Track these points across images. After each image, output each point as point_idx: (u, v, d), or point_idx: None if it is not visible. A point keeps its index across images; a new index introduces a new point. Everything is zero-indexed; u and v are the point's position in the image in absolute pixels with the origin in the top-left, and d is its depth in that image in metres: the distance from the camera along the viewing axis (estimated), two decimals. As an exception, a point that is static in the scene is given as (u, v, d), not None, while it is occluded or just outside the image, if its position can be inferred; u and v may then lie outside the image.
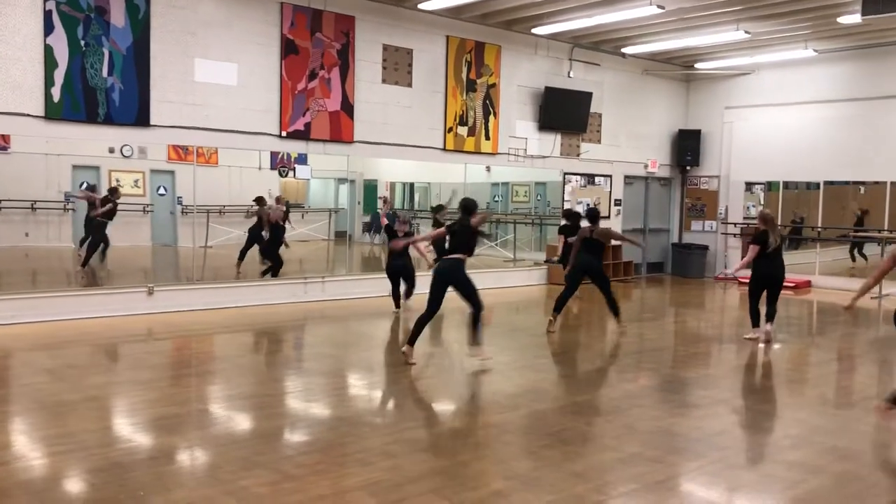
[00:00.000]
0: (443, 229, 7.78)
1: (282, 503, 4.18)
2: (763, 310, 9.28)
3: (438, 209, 12.14)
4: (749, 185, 16.41)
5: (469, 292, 7.43)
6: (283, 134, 11.23)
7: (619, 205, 16.09)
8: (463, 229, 7.36)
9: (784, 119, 15.47)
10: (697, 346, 9.64)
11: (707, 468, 4.91)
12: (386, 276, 10.69)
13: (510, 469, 4.79)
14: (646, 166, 16.40)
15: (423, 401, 6.66)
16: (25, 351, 7.95)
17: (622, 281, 15.52)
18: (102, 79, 9.66)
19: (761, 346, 9.06)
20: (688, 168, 16.97)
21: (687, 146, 16.69)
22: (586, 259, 9.57)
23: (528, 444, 5.35)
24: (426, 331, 7.63)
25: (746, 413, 6.56)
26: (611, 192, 15.89)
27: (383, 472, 4.69)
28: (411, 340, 7.48)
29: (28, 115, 9.23)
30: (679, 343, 9.85)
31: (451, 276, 7.35)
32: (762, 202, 16.53)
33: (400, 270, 10.47)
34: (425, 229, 17.89)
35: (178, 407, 6.14)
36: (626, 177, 16.20)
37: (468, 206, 7.44)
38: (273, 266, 12.08)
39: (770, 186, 16.20)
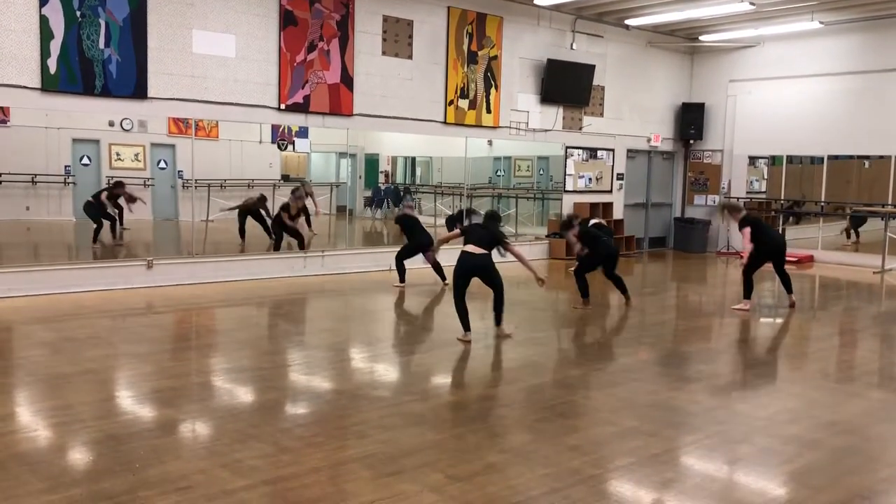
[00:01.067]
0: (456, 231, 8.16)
1: (276, 475, 4.17)
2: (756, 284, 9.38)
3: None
4: (752, 160, 16.30)
5: (498, 281, 7.58)
6: (282, 107, 11.14)
7: (622, 179, 15.99)
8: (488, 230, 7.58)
9: (789, 92, 15.30)
10: (698, 320, 9.61)
11: (704, 442, 4.89)
12: (404, 254, 10.72)
13: (505, 442, 4.79)
14: (649, 140, 16.28)
15: (420, 374, 6.65)
16: (24, 324, 7.95)
17: (624, 256, 15.43)
18: (99, 50, 9.56)
19: (758, 318, 9.06)
20: (691, 142, 16.84)
21: (690, 120, 16.55)
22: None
23: (524, 417, 5.34)
24: (427, 308, 7.61)
25: (745, 387, 6.55)
26: (613, 165, 15.79)
27: (379, 444, 4.68)
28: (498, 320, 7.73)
29: (25, 87, 9.14)
30: (679, 317, 9.82)
31: (482, 268, 7.45)
32: (765, 176, 16.47)
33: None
34: (427, 205, 17.87)
35: (176, 380, 6.13)
36: (629, 150, 16.08)
37: (495, 216, 8.01)
38: (299, 240, 12.24)
39: (774, 160, 16.09)
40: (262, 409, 5.42)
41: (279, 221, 12.27)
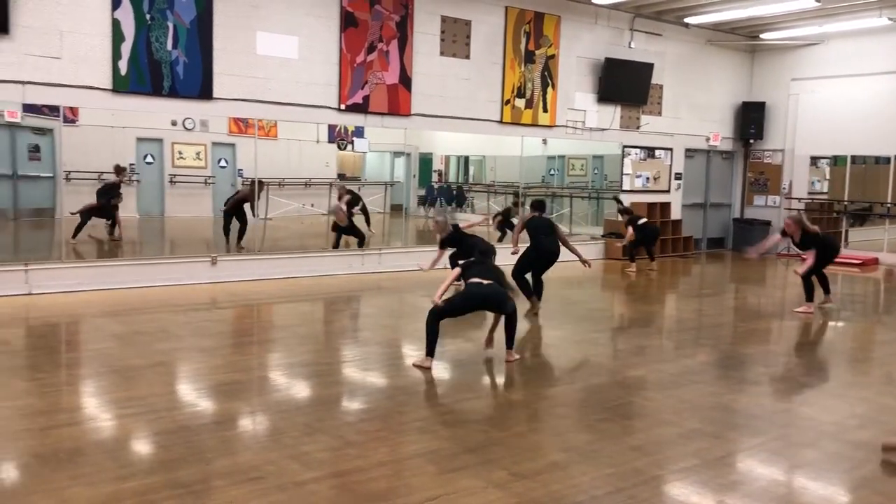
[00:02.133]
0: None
1: (343, 468, 4.27)
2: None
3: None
4: (814, 160, 15.94)
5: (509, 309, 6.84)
6: (342, 107, 11.30)
7: (680, 178, 15.80)
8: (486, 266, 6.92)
9: (854, 91, 14.91)
10: (757, 322, 9.46)
11: (768, 445, 4.84)
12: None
13: (567, 441, 4.81)
14: (707, 139, 16.05)
15: (478, 372, 6.69)
16: (95, 317, 8.24)
17: (681, 256, 15.30)
18: (167, 52, 9.84)
19: (820, 321, 8.89)
20: (751, 141, 16.54)
21: (750, 119, 16.26)
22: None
23: (585, 417, 5.35)
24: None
25: (809, 391, 6.44)
26: (671, 165, 15.61)
27: (441, 440, 4.75)
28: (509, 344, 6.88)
29: (96, 88, 9.47)
30: (738, 319, 9.68)
31: (493, 298, 6.71)
32: (827, 177, 16.10)
33: None
34: (479, 204, 17.93)
35: (242, 373, 6.30)
36: (687, 150, 15.88)
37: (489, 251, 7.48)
38: (359, 239, 12.33)
39: (836, 161, 15.72)
40: (325, 404, 5.53)
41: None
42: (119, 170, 12.45)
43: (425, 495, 3.95)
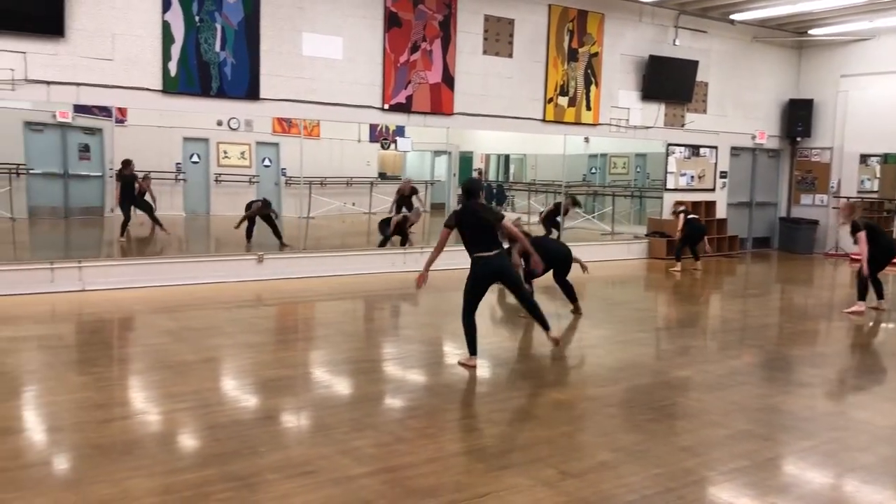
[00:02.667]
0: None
1: (394, 464, 4.32)
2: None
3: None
4: (864, 158, 15.61)
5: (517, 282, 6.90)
6: (386, 107, 11.39)
7: (725, 177, 15.61)
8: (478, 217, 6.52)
9: (906, 87, 14.58)
10: (805, 323, 9.32)
11: (821, 448, 4.78)
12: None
13: (615, 441, 4.80)
14: (753, 137, 15.82)
15: (524, 372, 6.72)
16: (146, 313, 8.43)
17: (726, 256, 15.12)
18: (215, 53, 10.02)
19: (871, 323, 8.74)
20: (798, 139, 16.27)
21: (798, 116, 15.99)
22: None
23: (633, 417, 5.34)
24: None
25: (862, 394, 6.34)
26: (716, 163, 15.43)
27: (489, 438, 4.79)
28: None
29: (147, 89, 9.68)
30: (785, 320, 9.55)
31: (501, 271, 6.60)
32: (878, 175, 15.76)
33: None
34: (520, 202, 17.90)
35: (289, 369, 6.40)
36: (733, 148, 15.67)
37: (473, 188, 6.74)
38: (384, 238, 12.44)
39: (886, 158, 15.38)
40: (372, 400, 5.60)
41: (389, 220, 12.53)
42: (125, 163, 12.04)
43: (474, 492, 3.99)
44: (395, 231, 12.51)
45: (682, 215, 12.91)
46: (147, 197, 12.32)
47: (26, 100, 9.28)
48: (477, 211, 6.48)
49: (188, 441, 4.74)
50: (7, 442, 4.54)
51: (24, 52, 8.88)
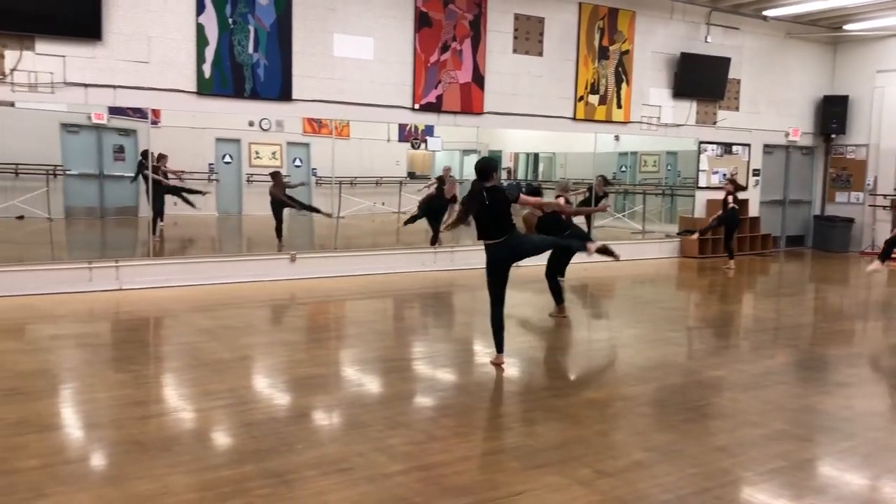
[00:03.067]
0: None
1: (429, 462, 4.35)
2: None
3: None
4: (902, 154, 15.36)
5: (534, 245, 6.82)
6: (416, 106, 11.43)
7: (758, 175, 15.44)
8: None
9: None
10: (841, 322, 9.21)
11: (859, 449, 4.73)
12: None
13: (650, 441, 4.79)
14: (787, 134, 15.63)
15: (556, 371, 6.72)
16: (182, 312, 8.55)
17: (759, 254, 14.96)
18: (248, 55, 10.13)
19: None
20: (833, 136, 16.03)
21: (832, 113, 15.76)
22: None
23: (666, 416, 5.32)
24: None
25: (900, 394, 6.25)
26: (749, 161, 15.26)
27: (524, 437, 4.80)
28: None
29: (182, 91, 9.81)
30: (821, 319, 9.44)
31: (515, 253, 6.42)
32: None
33: None
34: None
35: (323, 367, 6.47)
36: (766, 146, 15.50)
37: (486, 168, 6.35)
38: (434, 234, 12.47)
39: (926, 155, 15.11)
40: (406, 398, 5.64)
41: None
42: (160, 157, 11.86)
43: (510, 490, 4.00)
44: (426, 203, 12.60)
45: (729, 197, 12.73)
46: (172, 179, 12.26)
47: (65, 102, 9.46)
48: (481, 193, 6.17)
49: (225, 438, 4.81)
50: (50, 438, 4.64)
51: (63, 56, 9.05)
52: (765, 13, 14.26)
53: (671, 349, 7.37)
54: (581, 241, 7.14)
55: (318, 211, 13.05)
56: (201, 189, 12.87)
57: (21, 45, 8.86)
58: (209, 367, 6.26)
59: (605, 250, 6.90)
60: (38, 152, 12.26)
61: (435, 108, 11.60)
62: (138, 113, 10.42)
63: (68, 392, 5.65)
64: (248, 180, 15.32)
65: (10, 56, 8.83)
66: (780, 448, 4.68)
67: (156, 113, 10.51)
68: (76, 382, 5.85)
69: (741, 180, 15.02)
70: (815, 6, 13.51)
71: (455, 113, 11.82)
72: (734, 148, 14.98)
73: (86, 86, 9.23)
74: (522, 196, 6.65)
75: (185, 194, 12.45)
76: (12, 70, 8.83)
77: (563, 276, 9.06)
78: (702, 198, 14.47)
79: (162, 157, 11.70)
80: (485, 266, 6.40)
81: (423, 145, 14.94)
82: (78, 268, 9.44)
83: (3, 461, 4.23)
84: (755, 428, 5.05)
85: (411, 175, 16.70)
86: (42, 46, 8.96)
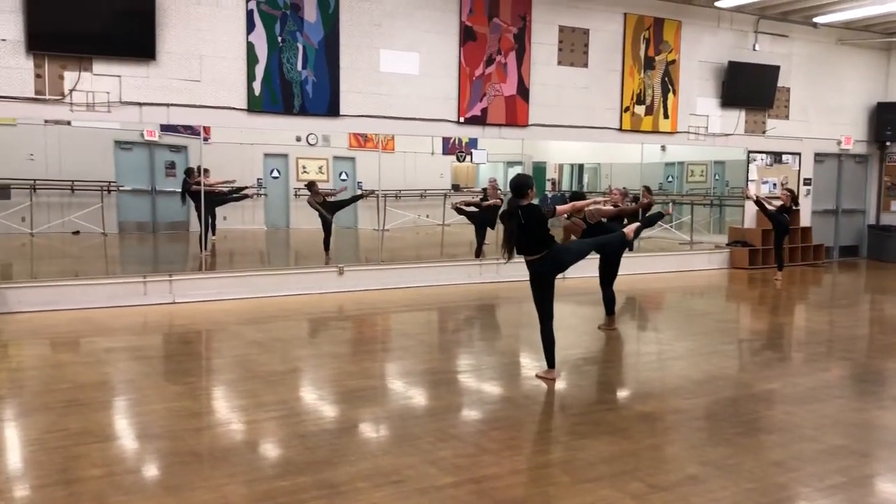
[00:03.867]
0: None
1: (480, 475, 4.36)
2: None
3: None
4: (960, 161, 14.96)
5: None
6: (461, 120, 11.50)
7: (809, 184, 15.16)
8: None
9: None
10: (900, 335, 8.98)
11: (922, 465, 4.62)
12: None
13: (704, 455, 4.73)
14: (839, 143, 15.32)
15: (607, 384, 6.67)
16: (235, 324, 8.70)
17: (811, 265, 14.66)
18: (297, 72, 10.31)
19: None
20: (888, 144, 15.68)
21: (887, 120, 15.42)
22: None
23: (721, 430, 5.24)
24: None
25: (963, 409, 6.07)
26: (800, 170, 15.00)
27: (575, 451, 4.77)
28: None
29: (233, 108, 10.03)
30: (877, 331, 9.21)
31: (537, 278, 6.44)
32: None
33: None
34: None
35: (374, 380, 6.53)
36: (817, 154, 15.22)
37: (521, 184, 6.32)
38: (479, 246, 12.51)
39: None
40: (456, 411, 5.66)
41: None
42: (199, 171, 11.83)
43: (563, 504, 4.00)
44: (467, 205, 12.83)
45: (786, 194, 12.49)
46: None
47: (120, 121, 9.73)
48: (517, 212, 6.18)
49: (279, 449, 4.88)
50: (111, 448, 4.77)
51: (119, 76, 9.33)
52: (815, 20, 14.04)
53: (723, 362, 7.27)
54: (616, 233, 7.10)
55: (358, 198, 13.32)
56: (246, 191, 13.15)
57: (79, 67, 9.16)
58: (261, 378, 6.36)
59: (645, 225, 6.82)
60: (92, 169, 12.61)
61: (480, 121, 11.65)
62: (189, 130, 10.67)
63: (126, 403, 5.79)
64: (295, 194, 15.52)
65: (69, 77, 9.13)
66: (838, 464, 4.58)
67: (206, 129, 10.75)
68: (133, 394, 5.99)
69: (792, 188, 14.77)
70: (866, 12, 13.25)
71: (500, 125, 11.86)
72: (784, 157, 14.74)
73: (140, 104, 9.50)
74: (558, 207, 6.67)
75: (233, 199, 12.76)
76: (71, 91, 9.13)
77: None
78: (751, 208, 14.24)
79: (204, 172, 11.95)
80: (528, 280, 6.40)
81: (467, 158, 14.98)
82: (133, 282, 9.68)
83: (67, 470, 4.36)
84: (812, 443, 4.96)
85: (455, 188, 16.74)
86: (99, 67, 9.25)
